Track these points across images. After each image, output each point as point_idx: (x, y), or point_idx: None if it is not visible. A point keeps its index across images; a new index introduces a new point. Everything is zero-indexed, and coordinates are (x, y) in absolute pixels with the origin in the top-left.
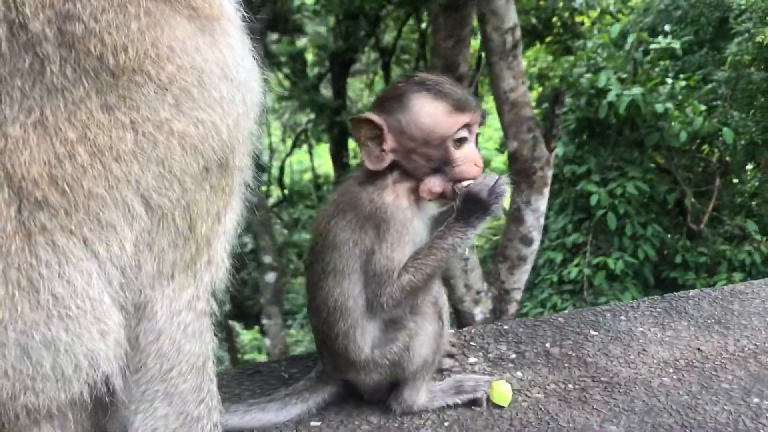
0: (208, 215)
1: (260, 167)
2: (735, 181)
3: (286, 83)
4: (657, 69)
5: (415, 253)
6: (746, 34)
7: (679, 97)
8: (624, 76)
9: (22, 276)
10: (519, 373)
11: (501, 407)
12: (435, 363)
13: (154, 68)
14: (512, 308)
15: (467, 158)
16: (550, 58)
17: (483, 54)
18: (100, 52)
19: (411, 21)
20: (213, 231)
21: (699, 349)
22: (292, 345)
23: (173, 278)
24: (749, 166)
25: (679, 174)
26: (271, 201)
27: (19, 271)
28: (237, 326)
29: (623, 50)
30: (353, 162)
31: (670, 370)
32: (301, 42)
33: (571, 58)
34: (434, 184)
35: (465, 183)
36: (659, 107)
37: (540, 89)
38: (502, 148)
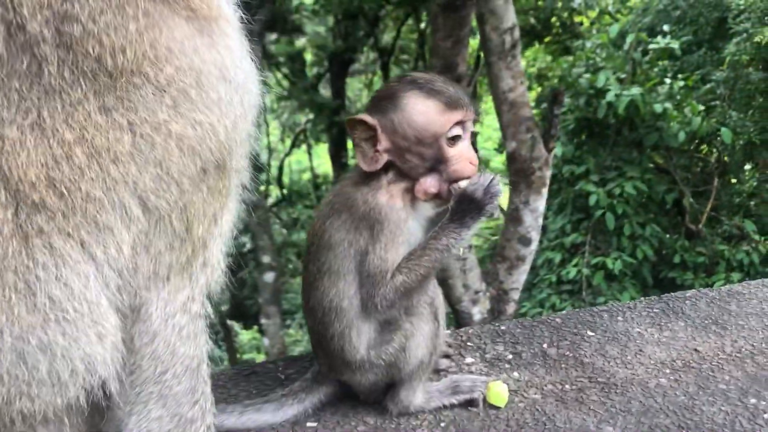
0: (205, 217)
1: (259, 167)
2: (733, 181)
3: (285, 83)
4: (656, 69)
5: (409, 254)
6: (745, 35)
7: (678, 97)
8: (623, 76)
9: (19, 279)
10: (516, 374)
11: (497, 408)
12: (431, 363)
13: (152, 70)
14: (510, 308)
15: (462, 156)
16: (548, 58)
17: (482, 54)
18: (98, 53)
19: (410, 21)
20: (209, 233)
21: (696, 350)
22: (290, 345)
23: (169, 280)
24: (747, 166)
25: (677, 174)
26: (270, 201)
27: (15, 274)
28: (236, 326)
29: (622, 50)
30: (352, 162)
31: (667, 371)
32: (300, 42)
33: (570, 58)
34: (430, 184)
35: (461, 183)
36: (658, 107)
37: (539, 89)
38: (500, 148)
